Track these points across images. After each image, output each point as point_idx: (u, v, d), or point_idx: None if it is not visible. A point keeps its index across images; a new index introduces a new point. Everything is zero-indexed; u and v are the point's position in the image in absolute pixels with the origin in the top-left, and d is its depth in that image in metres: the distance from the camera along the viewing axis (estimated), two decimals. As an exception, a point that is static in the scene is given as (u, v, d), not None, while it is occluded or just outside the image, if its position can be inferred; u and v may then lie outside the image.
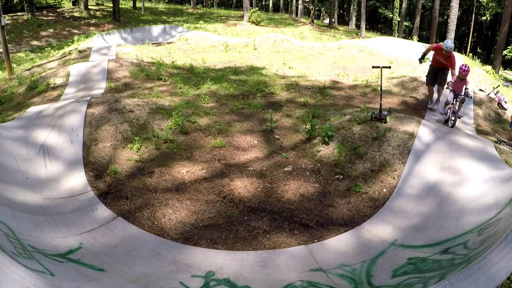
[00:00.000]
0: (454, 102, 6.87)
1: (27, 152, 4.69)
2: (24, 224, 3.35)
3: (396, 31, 34.04)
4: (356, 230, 4.01)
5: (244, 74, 11.00)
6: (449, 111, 6.86)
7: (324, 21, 37.50)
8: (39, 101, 8.34)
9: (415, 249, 3.47)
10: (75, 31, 20.59)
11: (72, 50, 13.81)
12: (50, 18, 22.57)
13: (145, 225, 3.93)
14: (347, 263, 3.38)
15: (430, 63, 7.95)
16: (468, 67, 6.74)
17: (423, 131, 5.41)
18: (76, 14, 24.01)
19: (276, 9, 46.19)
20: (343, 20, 44.14)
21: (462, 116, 7.03)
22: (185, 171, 4.99)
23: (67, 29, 20.98)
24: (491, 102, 9.64)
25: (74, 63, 11.16)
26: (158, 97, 7.53)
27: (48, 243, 3.19)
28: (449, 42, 7.18)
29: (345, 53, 14.68)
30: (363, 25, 24.65)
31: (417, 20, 29.66)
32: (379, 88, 6.37)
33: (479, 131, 8.15)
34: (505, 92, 11.17)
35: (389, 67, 6.80)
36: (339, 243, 3.80)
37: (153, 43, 17.22)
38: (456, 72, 6.96)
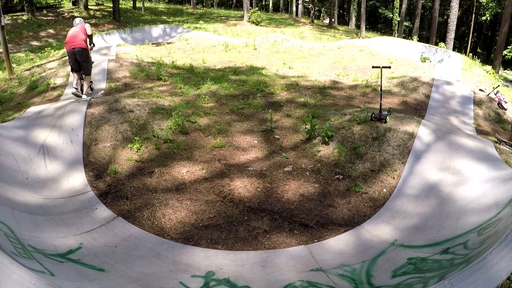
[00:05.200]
0: None
1: (27, 152, 4.69)
2: (24, 224, 3.35)
3: (396, 31, 34.04)
4: (356, 230, 4.01)
5: (244, 74, 11.00)
6: None
7: (324, 21, 37.53)
8: (39, 101, 8.34)
9: (415, 249, 3.47)
10: (75, 31, 20.53)
11: (72, 50, 13.77)
12: (50, 18, 22.56)
13: (145, 225, 3.93)
14: (347, 263, 3.38)
15: None
16: None
17: (423, 131, 5.41)
18: (76, 14, 23.98)
19: (276, 9, 46.18)
20: (343, 20, 44.15)
21: None
22: (185, 171, 4.99)
23: (67, 29, 20.82)
24: (491, 102, 9.65)
25: (74, 63, 11.11)
26: (158, 97, 7.53)
27: (48, 243, 3.19)
28: None
29: (345, 53, 14.68)
30: (363, 25, 24.65)
31: (417, 20, 29.65)
32: (379, 88, 6.36)
33: (479, 131, 8.16)
34: (505, 92, 11.19)
35: (389, 67, 6.79)
36: (339, 243, 3.80)
37: (153, 43, 17.20)
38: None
